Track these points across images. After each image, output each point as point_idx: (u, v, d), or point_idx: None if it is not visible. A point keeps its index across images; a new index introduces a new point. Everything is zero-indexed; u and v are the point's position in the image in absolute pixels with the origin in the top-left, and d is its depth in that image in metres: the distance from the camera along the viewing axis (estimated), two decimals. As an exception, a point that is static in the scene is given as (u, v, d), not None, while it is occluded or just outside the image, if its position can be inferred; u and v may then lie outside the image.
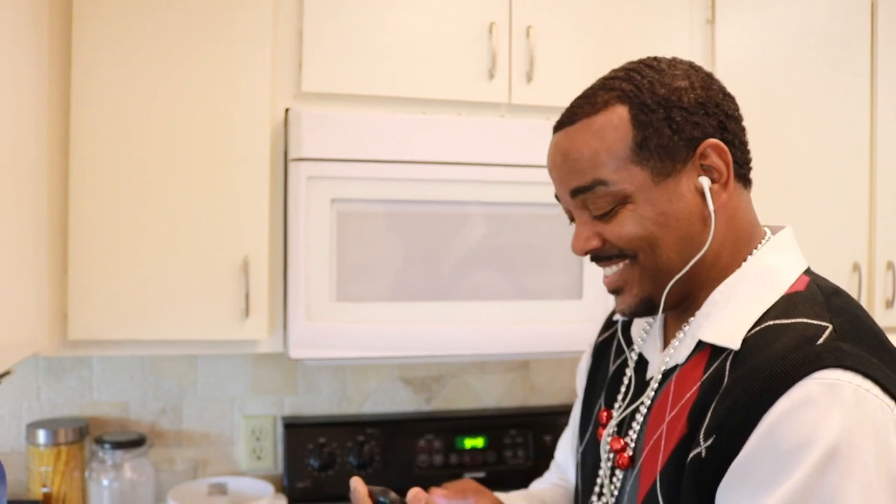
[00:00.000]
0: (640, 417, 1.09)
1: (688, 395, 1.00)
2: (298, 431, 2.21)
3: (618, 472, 1.11)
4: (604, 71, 2.06)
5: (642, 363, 1.17)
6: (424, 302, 1.87)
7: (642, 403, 1.09)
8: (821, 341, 0.92)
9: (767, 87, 2.17)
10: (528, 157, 1.85)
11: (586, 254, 1.10)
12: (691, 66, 1.08)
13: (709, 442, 0.92)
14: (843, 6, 2.23)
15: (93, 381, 2.17)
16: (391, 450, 2.25)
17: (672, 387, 1.04)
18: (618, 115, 1.04)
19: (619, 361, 1.24)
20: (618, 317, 1.30)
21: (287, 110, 1.87)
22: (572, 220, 1.13)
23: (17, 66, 1.41)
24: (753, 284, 1.03)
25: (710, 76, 1.08)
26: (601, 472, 1.15)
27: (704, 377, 0.99)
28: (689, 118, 1.02)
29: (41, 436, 2.01)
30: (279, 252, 1.89)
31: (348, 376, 2.33)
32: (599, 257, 1.10)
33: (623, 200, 1.04)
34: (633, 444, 1.09)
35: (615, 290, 1.11)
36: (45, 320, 1.69)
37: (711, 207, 1.02)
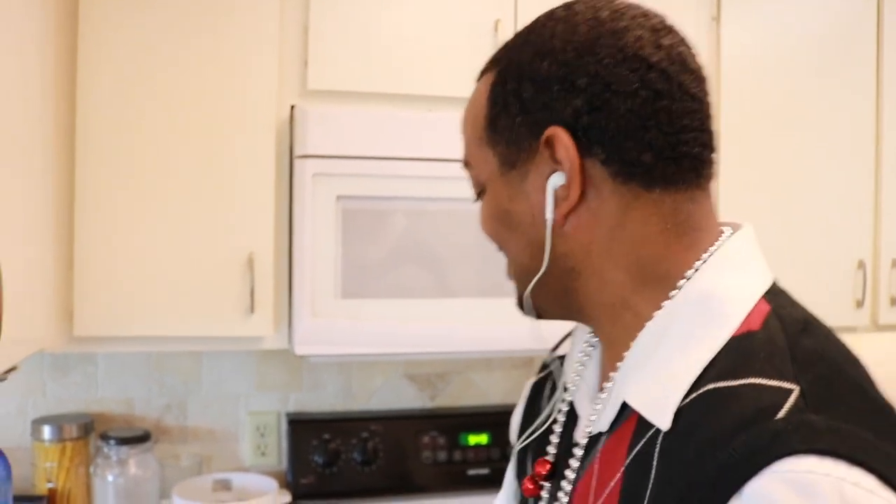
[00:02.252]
0: (562, 495, 0.84)
1: (612, 483, 0.75)
2: (303, 428, 2.21)
3: None
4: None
5: (573, 415, 0.88)
6: (429, 299, 1.87)
7: (565, 478, 0.83)
8: (782, 414, 0.63)
9: (773, 84, 2.17)
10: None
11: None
12: (596, 16, 0.77)
13: None
14: (850, 4, 2.22)
15: (98, 377, 2.17)
16: (396, 446, 2.25)
17: (596, 466, 0.78)
18: (485, 84, 0.82)
19: (550, 409, 0.95)
20: (560, 350, 1.01)
21: (293, 107, 1.88)
22: None
23: (24, 65, 1.41)
24: (691, 319, 0.74)
25: (615, 31, 0.76)
26: None
27: (629, 459, 0.73)
28: (538, 95, 0.76)
29: (46, 431, 2.02)
30: (284, 248, 1.90)
31: (353, 373, 2.33)
32: None
33: (483, 187, 0.85)
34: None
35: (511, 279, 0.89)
36: (51, 317, 1.69)
37: (549, 215, 0.77)
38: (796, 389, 0.65)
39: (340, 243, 1.83)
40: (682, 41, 0.80)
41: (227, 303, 1.83)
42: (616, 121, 0.74)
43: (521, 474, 0.99)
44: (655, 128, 0.75)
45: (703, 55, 2.22)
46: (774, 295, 0.77)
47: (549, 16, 0.80)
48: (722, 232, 0.81)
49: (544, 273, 0.80)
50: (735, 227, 0.83)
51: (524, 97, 0.77)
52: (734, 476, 0.62)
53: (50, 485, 2.01)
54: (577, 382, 0.89)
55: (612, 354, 0.81)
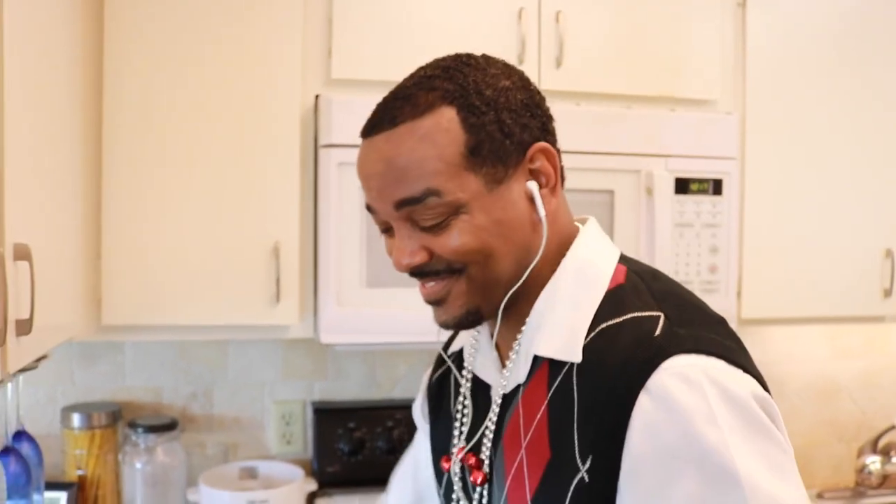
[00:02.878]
0: (487, 442, 1.03)
1: (538, 416, 0.94)
2: (328, 416, 2.22)
3: (477, 492, 1.05)
4: (634, 55, 2.06)
5: (480, 387, 1.09)
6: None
7: (487, 428, 1.03)
8: (657, 332, 0.89)
9: (799, 70, 2.16)
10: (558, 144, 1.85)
11: (410, 270, 0.98)
12: (505, 64, 1.00)
13: (587, 465, 0.87)
14: (877, -11, 2.20)
15: (125, 365, 2.20)
16: (420, 435, 2.25)
17: (520, 409, 0.98)
18: (447, 118, 0.93)
19: (460, 395, 1.13)
20: (455, 347, 1.20)
21: (317, 97, 1.88)
22: (385, 231, 1.01)
23: (52, 55, 1.43)
24: (574, 286, 0.98)
25: (523, 74, 1.00)
26: (454, 496, 1.10)
27: (550, 394, 0.94)
28: (517, 120, 0.95)
29: (76, 419, 2.04)
30: (309, 238, 1.90)
31: (377, 361, 2.34)
32: (424, 272, 0.98)
33: (456, 210, 0.93)
34: (487, 467, 1.03)
35: (435, 301, 1.00)
36: (80, 305, 1.71)
37: (542, 213, 0.96)
38: (662, 315, 0.92)
39: (365, 232, 1.83)
40: None
41: (253, 292, 1.84)
42: (553, 137, 1.01)
43: (437, 462, 1.18)
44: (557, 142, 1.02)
45: (729, 42, 2.20)
46: (625, 260, 1.03)
47: (466, 62, 0.98)
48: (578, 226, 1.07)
49: (514, 273, 0.97)
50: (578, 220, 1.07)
51: (506, 124, 0.94)
52: (638, 378, 0.86)
53: (80, 472, 2.03)
54: (476, 358, 1.10)
55: (510, 326, 1.01)
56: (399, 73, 1.91)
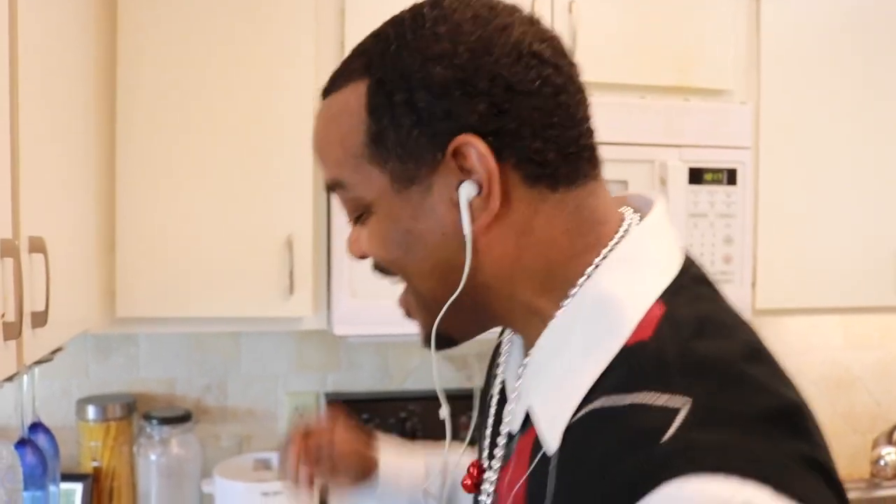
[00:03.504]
0: (488, 486, 0.83)
1: (518, 486, 0.74)
2: (342, 408, 2.23)
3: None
4: (648, 45, 2.05)
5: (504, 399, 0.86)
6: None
7: (490, 467, 0.84)
8: (668, 435, 0.59)
9: (814, 60, 2.14)
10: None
11: (362, 258, 0.82)
12: (476, 14, 0.72)
13: None
14: (893, -23, 2.18)
15: (140, 358, 2.20)
16: (433, 426, 2.26)
17: (512, 462, 0.77)
18: (356, 95, 0.74)
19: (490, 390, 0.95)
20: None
21: (329, 89, 1.88)
22: None
23: (66, 47, 1.43)
24: (586, 329, 0.71)
25: (501, 28, 0.72)
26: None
27: (532, 466, 0.72)
28: (437, 103, 0.70)
29: (91, 411, 2.05)
30: (323, 229, 1.90)
31: (390, 353, 2.34)
32: (377, 268, 0.81)
33: (365, 208, 0.77)
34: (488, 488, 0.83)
35: (407, 314, 0.84)
36: (95, 298, 1.71)
37: (467, 230, 0.72)
38: (686, 405, 0.61)
39: (378, 224, 1.83)
40: (553, 31, 0.76)
41: (266, 284, 1.84)
42: (521, 122, 0.71)
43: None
44: (558, 125, 0.73)
45: (743, 30, 2.19)
46: (673, 293, 0.72)
47: (420, 16, 0.74)
48: (623, 218, 0.77)
49: (450, 294, 0.75)
50: (640, 205, 0.80)
51: (419, 107, 0.71)
52: (621, 502, 0.58)
53: (95, 463, 2.04)
54: (507, 362, 0.88)
55: (528, 345, 0.79)
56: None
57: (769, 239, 2.11)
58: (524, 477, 0.73)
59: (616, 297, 0.71)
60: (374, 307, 1.84)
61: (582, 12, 1.97)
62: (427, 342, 0.81)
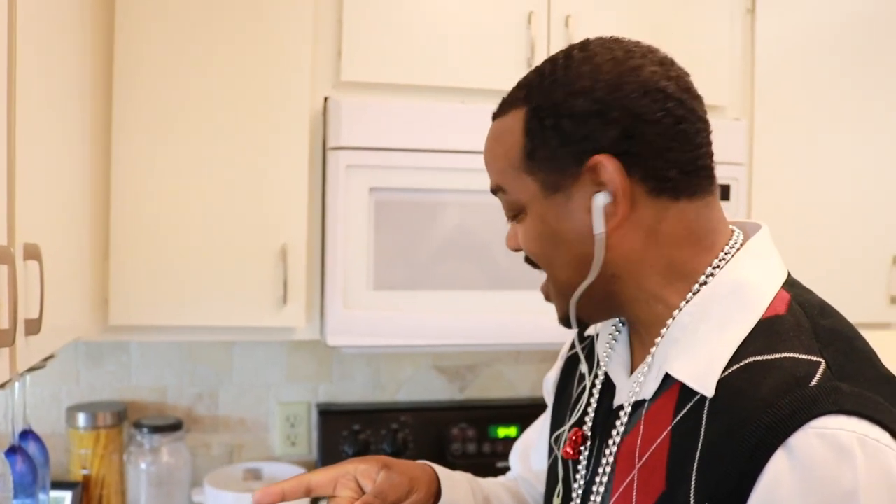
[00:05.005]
0: (608, 453, 0.96)
1: (659, 440, 0.88)
2: (333, 418, 2.22)
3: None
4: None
5: (609, 385, 1.03)
6: (461, 291, 1.87)
7: (611, 439, 0.96)
8: (815, 381, 0.78)
9: (808, 76, 2.15)
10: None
11: (517, 251, 1.02)
12: (615, 57, 0.91)
13: None
14: (887, -4, 2.20)
15: (131, 366, 2.20)
16: (425, 438, 2.26)
17: (641, 427, 0.92)
18: (516, 120, 0.94)
19: (584, 381, 1.10)
20: (591, 331, 1.15)
21: (326, 99, 1.88)
22: None
23: (62, 53, 1.43)
24: (726, 304, 0.89)
25: (633, 69, 0.90)
26: (559, 474, 1.08)
27: (676, 420, 0.87)
28: (578, 128, 0.89)
29: (81, 419, 2.04)
30: (317, 240, 1.90)
31: (382, 364, 2.34)
32: (527, 260, 1.02)
33: (521, 210, 0.97)
34: (601, 482, 0.97)
35: (546, 299, 1.03)
36: (87, 306, 1.70)
37: (600, 230, 0.90)
38: (823, 362, 0.80)
39: (373, 235, 1.83)
40: (683, 70, 0.95)
41: (260, 293, 1.84)
42: (646, 145, 0.88)
43: (553, 434, 1.15)
44: (678, 148, 0.89)
45: (738, 47, 2.20)
46: (791, 285, 0.93)
47: (569, 57, 0.92)
48: (733, 231, 0.96)
49: (589, 283, 0.93)
50: (741, 227, 0.98)
51: (564, 131, 0.89)
52: (779, 432, 0.76)
53: (84, 471, 2.04)
54: (611, 356, 1.03)
55: (643, 336, 0.96)
56: (409, 76, 1.93)
57: (762, 255, 2.11)
58: (668, 430, 0.87)
59: (750, 283, 0.89)
60: (366, 318, 1.84)
61: (578, 27, 1.98)
62: (563, 322, 1.00)
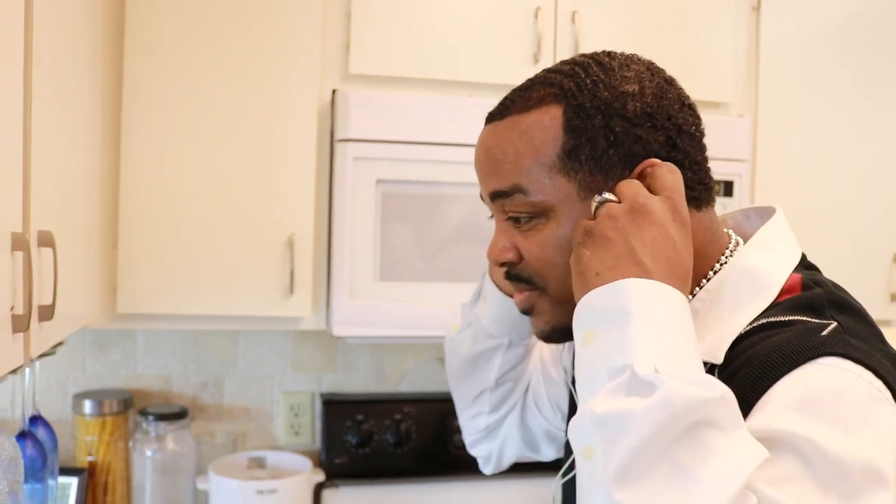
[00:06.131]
0: None
1: None
2: (337, 408, 2.24)
3: None
4: (648, 56, 2.07)
5: None
6: (466, 283, 1.88)
7: None
8: (826, 332, 0.82)
9: (812, 75, 2.17)
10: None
11: (501, 265, 0.98)
12: (649, 67, 0.95)
13: None
14: (892, -5, 2.21)
15: (137, 354, 2.22)
16: (427, 428, 2.27)
17: None
18: (550, 116, 0.91)
19: None
20: None
21: (334, 92, 1.90)
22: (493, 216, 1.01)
23: (74, 46, 1.44)
24: (737, 289, 0.92)
25: (668, 81, 0.94)
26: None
27: None
28: (631, 130, 0.89)
29: (87, 406, 2.06)
30: (324, 231, 1.92)
31: (386, 355, 2.36)
32: (513, 276, 0.98)
33: (544, 213, 0.92)
34: None
35: (525, 311, 1.00)
36: (96, 293, 1.73)
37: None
38: (835, 323, 0.84)
39: (379, 226, 1.85)
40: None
41: (267, 283, 1.86)
42: (685, 155, 0.92)
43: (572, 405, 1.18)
44: (703, 160, 0.95)
45: (742, 47, 2.21)
46: (805, 266, 0.96)
47: (602, 63, 0.93)
48: (730, 237, 0.99)
49: None
50: (757, 212, 1.03)
51: (616, 131, 0.89)
52: (785, 365, 0.79)
53: (90, 458, 2.05)
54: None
55: None
56: (416, 69, 1.95)
57: (764, 251, 2.13)
58: None
59: (761, 270, 0.92)
60: (372, 309, 1.85)
61: (584, 23, 1.99)
62: (548, 337, 0.99)
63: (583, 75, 0.91)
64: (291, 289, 1.85)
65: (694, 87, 2.03)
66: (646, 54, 2.14)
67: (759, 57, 2.14)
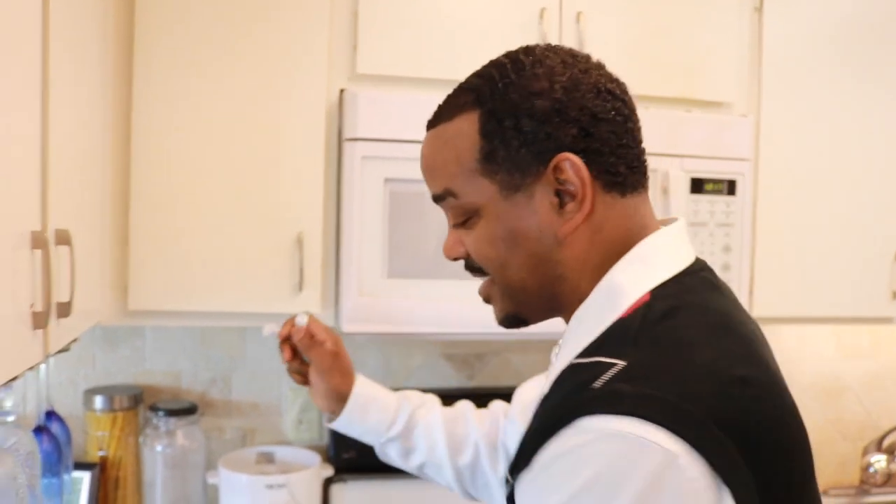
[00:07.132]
0: None
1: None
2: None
3: None
4: (652, 56, 2.09)
5: None
6: (473, 280, 1.90)
7: None
8: (598, 384, 0.80)
9: (814, 75, 2.18)
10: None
11: (455, 260, 1.04)
12: (564, 60, 0.94)
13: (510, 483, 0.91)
14: (894, -5, 2.23)
15: (146, 350, 2.24)
16: (433, 424, 2.29)
17: None
18: (469, 122, 0.95)
19: None
20: None
21: (342, 91, 1.92)
22: None
23: (83, 44, 1.47)
24: (598, 306, 0.92)
25: (583, 71, 0.94)
26: None
27: (534, 412, 0.96)
28: (540, 128, 0.91)
29: (98, 401, 2.09)
30: (332, 229, 1.94)
31: (392, 352, 2.38)
32: (471, 267, 1.04)
33: (475, 212, 0.97)
34: None
35: (486, 300, 1.05)
36: (107, 291, 1.75)
37: (561, 227, 0.93)
38: (621, 365, 0.81)
39: (387, 224, 1.87)
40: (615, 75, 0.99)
41: (276, 281, 1.88)
42: (602, 142, 0.92)
43: None
44: (626, 144, 0.94)
45: (745, 44, 2.22)
46: (664, 287, 0.91)
47: (518, 61, 0.94)
48: (659, 227, 0.98)
49: (536, 284, 0.97)
50: (664, 224, 1.00)
51: (525, 131, 0.91)
52: (552, 427, 0.81)
53: (101, 453, 2.08)
54: (556, 358, 1.03)
55: None
56: (423, 69, 1.97)
57: (767, 249, 2.15)
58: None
59: (621, 284, 0.91)
60: (381, 306, 1.88)
61: (589, 23, 2.01)
62: (506, 322, 1.03)
63: (496, 78, 0.94)
64: (300, 286, 1.88)
65: (697, 87, 2.10)
66: (650, 54, 2.17)
67: (762, 57, 2.15)
